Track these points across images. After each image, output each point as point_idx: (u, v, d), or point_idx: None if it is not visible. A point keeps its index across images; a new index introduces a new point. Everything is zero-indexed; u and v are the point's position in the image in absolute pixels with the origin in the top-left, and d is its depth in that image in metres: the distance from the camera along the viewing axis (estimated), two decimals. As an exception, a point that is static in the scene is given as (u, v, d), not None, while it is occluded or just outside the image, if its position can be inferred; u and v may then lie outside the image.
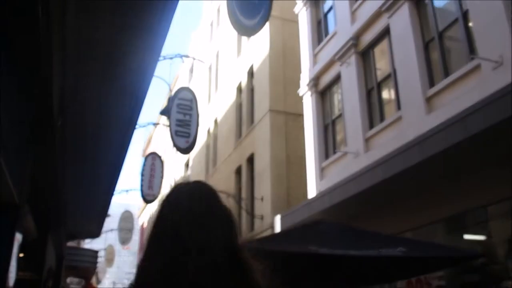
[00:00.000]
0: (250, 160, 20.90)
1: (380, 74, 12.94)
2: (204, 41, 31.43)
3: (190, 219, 1.38)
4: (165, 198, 1.51)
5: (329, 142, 14.99)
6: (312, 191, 14.78)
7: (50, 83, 4.10)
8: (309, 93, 15.97)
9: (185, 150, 11.76)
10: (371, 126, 12.79)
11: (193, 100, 12.40)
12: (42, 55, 4.03)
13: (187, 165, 32.86)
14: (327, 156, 14.79)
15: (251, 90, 22.45)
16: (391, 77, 12.26)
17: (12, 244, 4.14)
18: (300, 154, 18.64)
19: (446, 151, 8.26)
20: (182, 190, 1.52)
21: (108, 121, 6.29)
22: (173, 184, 1.53)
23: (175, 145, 11.44)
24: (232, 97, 24.57)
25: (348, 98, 13.69)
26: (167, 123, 19.78)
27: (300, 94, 16.52)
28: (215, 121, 27.35)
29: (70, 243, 15.79)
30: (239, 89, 23.87)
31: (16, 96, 4.13)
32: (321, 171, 14.70)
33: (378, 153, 11.36)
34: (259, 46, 21.52)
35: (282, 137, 19.06)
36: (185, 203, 1.44)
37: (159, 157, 19.11)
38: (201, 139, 29.23)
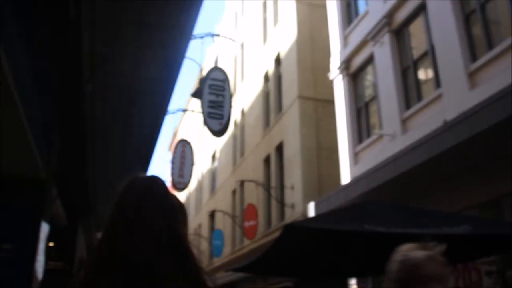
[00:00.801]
0: (279, 148, 20.46)
1: (415, 52, 12.37)
2: (228, 32, 31.02)
3: (137, 208, 1.47)
4: (120, 189, 1.58)
5: (362, 126, 14.47)
6: (345, 177, 14.30)
7: (79, 48, 3.74)
8: (340, 76, 15.45)
9: (219, 132, 11.36)
10: (408, 106, 12.25)
11: (225, 80, 11.98)
12: (71, 19, 3.68)
13: (213, 157, 32.55)
14: (360, 140, 14.29)
15: (278, 77, 21.97)
16: (428, 54, 11.69)
17: (40, 221, 3.80)
18: (331, 140, 18.16)
19: (496, 126, 7.72)
20: (135, 182, 1.60)
21: (141, 97, 5.93)
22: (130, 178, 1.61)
23: (208, 127, 11.05)
24: (258, 86, 24.13)
25: (383, 79, 13.15)
26: (196, 109, 19.46)
27: (331, 78, 16.02)
28: (242, 111, 26.95)
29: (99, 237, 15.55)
30: (266, 78, 23.42)
31: (45, 62, 3.80)
32: (355, 156, 14.20)
33: (417, 134, 10.83)
34: (285, 32, 21.04)
35: (312, 124, 18.58)
36: (135, 195, 1.53)
37: (189, 144, 18.75)
38: (228, 131, 28.88)
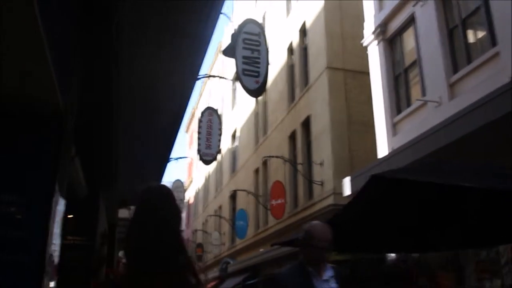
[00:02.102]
0: (306, 123, 19.44)
1: (464, 9, 11.22)
2: (249, 6, 29.85)
3: (154, 212, 2.12)
4: (140, 196, 2.27)
5: (401, 95, 13.38)
6: (382, 150, 13.26)
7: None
8: (375, 42, 14.33)
9: (255, 92, 10.32)
10: (456, 70, 11.14)
11: (261, 34, 10.91)
12: None
13: (233, 136, 31.59)
14: (399, 110, 13.21)
15: (303, 49, 20.86)
16: (480, 11, 10.54)
17: (57, 162, 2.88)
18: (362, 113, 17.14)
19: None
20: (151, 190, 2.28)
21: (170, 48, 5.03)
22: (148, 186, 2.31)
23: (243, 87, 10.05)
24: (282, 59, 23.03)
25: (426, 41, 12.03)
26: (220, 76, 18.44)
27: (364, 44, 14.89)
28: (264, 87, 25.84)
29: (120, 215, 14.75)
30: (290, 50, 22.30)
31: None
32: (393, 127, 13.14)
33: (468, 99, 9.74)
34: (311, 1, 19.87)
35: (342, 96, 17.51)
36: (152, 201, 2.18)
37: (216, 112, 17.72)
38: (249, 108, 27.91)
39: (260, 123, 26.14)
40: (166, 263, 1.96)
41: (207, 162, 16.93)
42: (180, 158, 18.59)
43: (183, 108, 7.58)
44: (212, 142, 16.79)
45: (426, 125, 10.88)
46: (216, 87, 37.28)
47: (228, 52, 10.58)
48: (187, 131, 50.92)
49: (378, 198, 5.06)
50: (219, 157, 34.49)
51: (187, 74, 6.12)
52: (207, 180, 39.39)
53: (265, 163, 23.85)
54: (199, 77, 7.95)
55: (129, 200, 10.55)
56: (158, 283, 1.91)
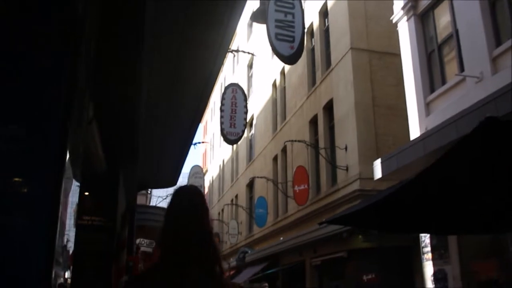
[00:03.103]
0: (328, 107, 18.68)
1: (508, -22, 10.39)
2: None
3: (187, 213, 2.29)
4: (171, 200, 2.40)
5: (434, 73, 12.58)
6: (415, 131, 12.49)
7: None
8: (405, 17, 13.52)
9: (290, 58, 9.59)
10: (499, 42, 10.34)
11: (295, -4, 10.12)
12: None
13: (250, 124, 30.82)
14: (432, 89, 12.42)
15: (324, 31, 20.06)
16: (527, -22, 9.73)
17: (68, 112, 2.14)
18: (388, 96, 16.43)
19: None
20: (181, 193, 2.41)
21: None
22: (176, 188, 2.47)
23: (276, 52, 9.30)
24: (302, 42, 22.21)
25: (464, 13, 11.21)
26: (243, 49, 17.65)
27: (394, 21, 14.08)
28: (282, 72, 25.14)
29: (138, 201, 14.13)
30: (310, 32, 21.47)
31: None
32: (427, 107, 12.36)
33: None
34: (333, -20, 19.04)
35: (367, 78, 16.72)
36: (184, 203, 2.34)
37: (241, 88, 16.95)
38: (266, 94, 27.17)
39: (278, 109, 25.40)
40: (198, 258, 2.16)
41: (231, 141, 16.22)
42: (198, 143, 17.60)
43: (210, 86, 6.92)
44: (237, 121, 16.05)
45: (465, 102, 10.13)
46: (230, 76, 36.49)
47: (258, 16, 9.83)
48: (200, 121, 50.17)
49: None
50: (235, 145, 33.86)
51: (216, 47, 5.43)
52: (222, 170, 38.77)
53: (284, 150, 23.15)
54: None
55: (148, 183, 9.94)
56: (189, 276, 2.12)
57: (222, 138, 16.46)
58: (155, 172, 9.22)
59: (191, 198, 2.36)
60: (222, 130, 16.02)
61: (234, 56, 25.09)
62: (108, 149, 5.75)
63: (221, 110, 16.35)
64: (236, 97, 16.60)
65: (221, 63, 6.17)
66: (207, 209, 2.37)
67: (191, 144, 8.94)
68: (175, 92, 6.72)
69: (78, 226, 5.96)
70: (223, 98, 16.76)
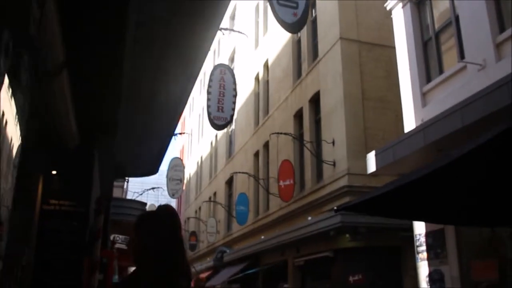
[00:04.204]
0: (314, 100, 17.96)
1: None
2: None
3: (169, 233, 2.45)
4: (140, 224, 2.50)
5: (431, 62, 11.93)
6: (410, 123, 11.82)
7: None
8: (400, 4, 12.84)
9: (293, 26, 8.75)
10: (502, 28, 9.70)
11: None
12: None
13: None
14: (429, 78, 11.76)
15: (311, 22, 19.33)
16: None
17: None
18: (378, 89, 15.81)
19: None
20: (163, 213, 2.52)
21: None
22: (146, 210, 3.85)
23: (279, 19, 8.47)
24: (286, 34, 21.45)
25: (465, -2, 10.57)
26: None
27: (388, 8, 13.39)
28: (265, 65, 24.38)
29: (114, 194, 13.21)
30: (296, 24, 20.69)
31: None
32: (423, 97, 11.69)
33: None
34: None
35: (356, 69, 16.04)
36: (167, 223, 2.48)
37: (229, 69, 15.98)
38: (247, 88, 26.37)
39: (261, 103, 24.64)
40: (175, 268, 2.36)
41: (218, 127, 15.31)
42: (178, 134, 16.67)
43: (198, 65, 6.18)
44: (225, 104, 15.15)
45: (467, 91, 9.48)
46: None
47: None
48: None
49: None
50: (213, 141, 32.96)
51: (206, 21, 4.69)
52: (200, 166, 37.85)
53: (266, 146, 22.39)
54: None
55: (127, 170, 9.05)
56: (166, 284, 2.29)
57: (209, 123, 15.52)
58: (134, 158, 8.38)
59: (172, 219, 2.51)
60: (209, 114, 15.10)
61: (219, 40, 24.09)
62: (82, 115, 4.89)
63: (208, 93, 15.41)
64: (224, 79, 15.69)
65: (210, 41, 5.46)
66: (180, 224, 2.56)
67: (174, 130, 8.15)
68: (161, 70, 5.97)
69: (43, 212, 5.07)
70: (210, 80, 15.81)
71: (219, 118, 15.09)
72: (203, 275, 28.58)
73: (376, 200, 5.66)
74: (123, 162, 8.21)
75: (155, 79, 6.46)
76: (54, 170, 5.35)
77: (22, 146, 4.68)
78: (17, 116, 4.46)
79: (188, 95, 7.68)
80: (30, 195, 4.87)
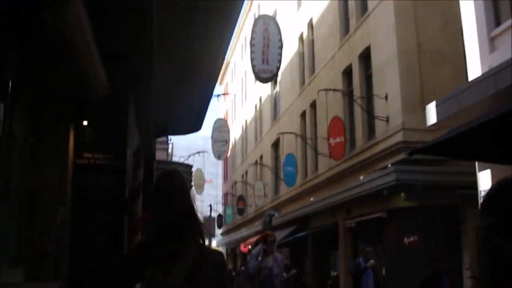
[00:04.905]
0: (364, 56, 17.01)
1: None
2: None
3: (169, 194, 2.56)
4: (159, 180, 2.69)
5: (500, 4, 10.84)
6: (475, 70, 10.83)
7: None
8: None
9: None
10: None
11: None
12: None
13: (274, 81, 29.13)
14: (498, 22, 10.69)
15: (359, -27, 18.20)
16: None
17: None
18: (435, 41, 14.74)
19: None
20: (163, 178, 2.66)
21: None
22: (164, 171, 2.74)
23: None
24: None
25: None
26: None
27: None
28: (309, 24, 23.41)
29: (158, 157, 12.81)
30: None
31: None
32: (491, 42, 10.66)
33: None
34: None
35: (411, 22, 14.97)
36: (166, 185, 2.60)
37: (273, 19, 15.19)
38: (291, 49, 25.45)
39: (306, 63, 23.76)
40: (183, 230, 2.48)
41: (264, 80, 14.62)
42: (221, 95, 16.04)
43: (233, 18, 5.54)
44: (270, 56, 14.37)
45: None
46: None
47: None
48: (220, 82, 48.06)
49: None
50: (258, 104, 32.35)
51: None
52: (245, 130, 37.43)
53: (313, 105, 21.62)
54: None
55: (169, 128, 8.50)
56: (177, 246, 2.43)
57: (254, 77, 14.80)
58: (175, 114, 7.82)
59: (179, 180, 2.63)
60: (253, 67, 14.36)
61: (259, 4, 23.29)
62: (111, 63, 4.29)
63: (251, 45, 14.63)
64: (268, 30, 14.84)
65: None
66: (187, 189, 2.66)
67: (214, 84, 7.54)
68: (193, 22, 5.36)
69: (76, 167, 4.56)
70: (253, 32, 14.98)
71: (264, 70, 14.35)
72: (252, 240, 28.37)
73: (454, 140, 5.00)
74: (163, 119, 7.66)
75: (189, 31, 5.97)
76: (85, 121, 4.80)
77: (49, 96, 4.17)
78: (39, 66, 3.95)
79: (226, 48, 7.15)
80: (61, 149, 4.36)
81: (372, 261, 11.30)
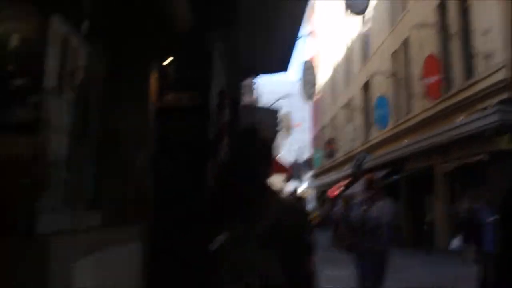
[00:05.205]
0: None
1: None
2: None
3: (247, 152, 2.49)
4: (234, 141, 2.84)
5: None
6: None
7: None
8: None
9: None
10: None
11: None
12: None
13: (363, 19, 27.88)
14: None
15: None
16: None
17: None
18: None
19: None
20: (242, 134, 2.66)
21: None
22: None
23: None
24: None
25: None
26: None
27: None
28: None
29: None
30: None
31: None
32: None
33: None
34: None
35: None
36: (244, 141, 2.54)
37: None
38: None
39: (397, -1, 22.41)
40: (262, 183, 2.46)
41: (358, 11, 13.85)
42: (310, 34, 15.46)
43: None
44: None
45: None
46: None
47: None
48: (308, 22, 46.53)
49: None
50: (348, 44, 31.33)
51: None
52: (334, 72, 36.52)
53: (405, 43, 20.48)
54: None
55: (255, 65, 8.18)
56: (257, 197, 2.39)
57: (346, 9, 14.09)
58: (261, 53, 7.44)
59: (257, 138, 2.53)
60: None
61: None
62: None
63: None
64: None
65: None
66: (270, 149, 2.58)
67: (302, 20, 7.05)
68: None
69: (158, 107, 4.38)
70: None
71: (355, 5, 13.57)
72: (341, 184, 28.08)
73: None
74: (248, 58, 7.33)
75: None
76: (167, 59, 4.57)
77: (128, 32, 3.95)
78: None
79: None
80: (142, 89, 4.17)
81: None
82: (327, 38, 38.46)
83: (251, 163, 2.44)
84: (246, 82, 13.55)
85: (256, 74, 10.47)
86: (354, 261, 6.90)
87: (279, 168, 16.44)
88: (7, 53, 3.50)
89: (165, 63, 4.56)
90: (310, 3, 7.72)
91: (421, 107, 17.88)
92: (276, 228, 2.30)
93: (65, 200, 2.76)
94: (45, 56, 2.60)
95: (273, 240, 2.27)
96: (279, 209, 2.39)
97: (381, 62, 23.72)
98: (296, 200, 16.30)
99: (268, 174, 2.50)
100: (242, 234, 2.32)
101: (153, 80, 4.37)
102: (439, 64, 14.86)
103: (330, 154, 32.99)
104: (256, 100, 22.72)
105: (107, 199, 3.62)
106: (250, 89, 17.28)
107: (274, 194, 2.48)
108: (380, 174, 20.97)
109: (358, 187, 23.46)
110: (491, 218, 7.79)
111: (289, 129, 34.76)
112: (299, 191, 34.87)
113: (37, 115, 2.51)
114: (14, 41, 3.46)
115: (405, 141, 19.19)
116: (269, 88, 36.99)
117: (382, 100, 20.85)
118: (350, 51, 31.27)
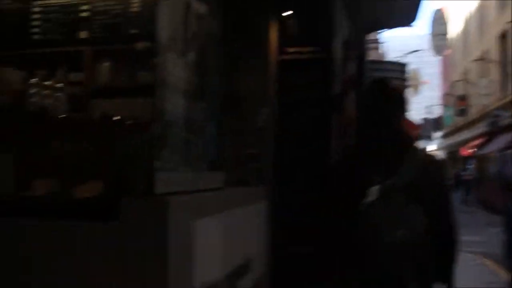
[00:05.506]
0: None
1: None
2: None
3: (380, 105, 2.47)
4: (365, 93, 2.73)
5: None
6: None
7: None
8: None
9: None
10: None
11: None
12: None
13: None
14: None
15: None
16: None
17: None
18: None
19: None
20: (374, 87, 2.60)
21: None
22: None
23: None
24: None
25: None
26: None
27: None
28: None
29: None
30: None
31: None
32: None
33: None
34: None
35: None
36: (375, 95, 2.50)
37: None
38: None
39: None
40: (400, 138, 2.45)
41: None
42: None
43: None
44: None
45: None
46: None
47: None
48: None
49: None
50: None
51: None
52: (467, 23, 34.25)
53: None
54: None
55: (380, 19, 7.68)
56: (398, 153, 2.37)
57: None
58: (386, 3, 6.96)
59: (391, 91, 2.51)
60: None
61: None
62: None
63: None
64: None
65: None
66: (402, 98, 2.58)
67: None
68: None
69: (280, 63, 4.19)
70: None
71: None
72: (474, 143, 26.64)
73: None
74: (373, 10, 6.90)
75: None
76: (287, 12, 4.36)
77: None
78: None
79: None
80: (263, 45, 4.04)
81: None
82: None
83: (386, 111, 2.40)
84: (371, 36, 12.93)
85: (381, 27, 9.92)
86: (503, 224, 6.28)
87: (408, 126, 15.77)
88: (130, 17, 3.46)
89: (287, 16, 4.35)
90: None
91: None
92: (421, 181, 2.30)
93: (186, 161, 2.72)
94: (165, 18, 2.53)
95: (418, 193, 2.27)
96: (421, 162, 2.38)
97: (521, 9, 21.86)
98: (434, 156, 15.77)
99: (403, 124, 2.47)
100: (387, 189, 2.30)
101: (274, 36, 4.20)
102: None
103: (461, 112, 31.30)
104: (382, 56, 21.88)
105: (230, 159, 3.58)
106: (376, 44, 16.59)
107: (414, 148, 2.45)
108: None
109: (493, 146, 22.03)
110: None
111: (417, 86, 33.32)
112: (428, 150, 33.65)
113: (158, 77, 2.46)
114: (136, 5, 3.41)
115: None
116: (396, 43, 35.65)
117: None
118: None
